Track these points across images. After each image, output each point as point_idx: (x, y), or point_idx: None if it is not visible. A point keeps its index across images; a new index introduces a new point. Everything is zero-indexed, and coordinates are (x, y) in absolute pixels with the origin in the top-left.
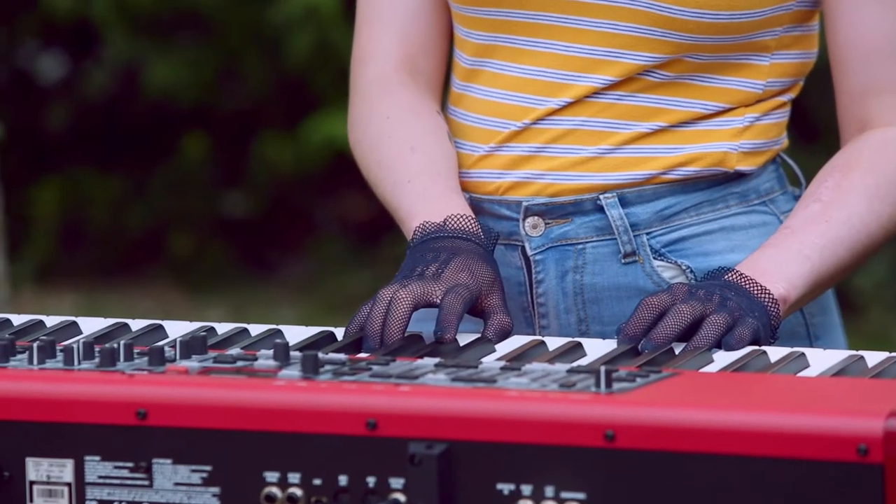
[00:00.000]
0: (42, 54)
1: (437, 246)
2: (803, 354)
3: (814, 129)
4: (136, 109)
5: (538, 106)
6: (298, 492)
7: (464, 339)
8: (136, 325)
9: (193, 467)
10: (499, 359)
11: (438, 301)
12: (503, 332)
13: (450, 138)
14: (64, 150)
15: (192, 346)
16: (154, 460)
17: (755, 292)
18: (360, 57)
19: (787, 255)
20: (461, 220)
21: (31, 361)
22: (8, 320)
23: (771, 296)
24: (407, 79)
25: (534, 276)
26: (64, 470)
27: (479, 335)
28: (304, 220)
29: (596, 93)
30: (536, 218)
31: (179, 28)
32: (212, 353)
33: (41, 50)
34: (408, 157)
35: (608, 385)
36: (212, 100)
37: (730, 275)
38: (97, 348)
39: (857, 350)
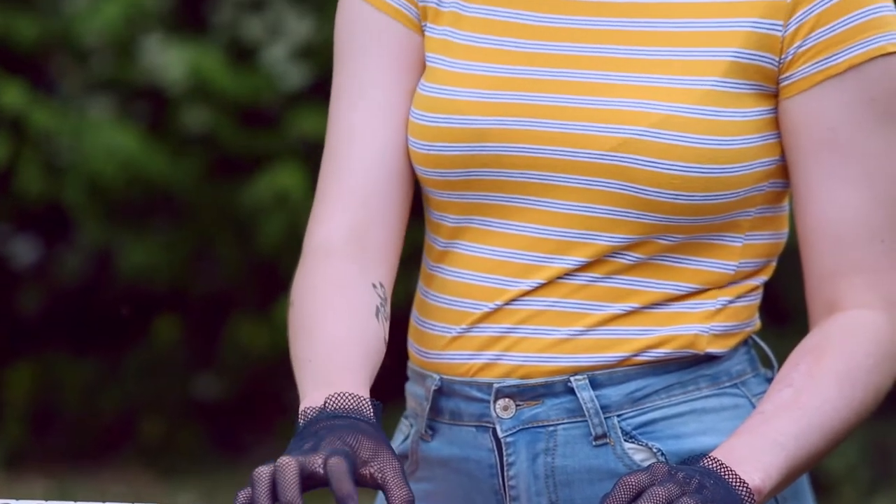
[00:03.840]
0: (14, 238)
1: (315, 428)
2: None
3: (783, 311)
4: (109, 293)
5: (510, 287)
6: None
7: None
8: None
9: None
10: None
11: (320, 468)
12: None
13: (377, 314)
14: (36, 334)
15: None
16: None
17: (733, 483)
18: (312, 224)
19: (762, 442)
20: (341, 398)
21: None
22: None
23: (747, 487)
24: (352, 250)
25: (505, 458)
26: None
27: None
28: (275, 402)
29: (568, 274)
30: (507, 400)
31: (152, 211)
32: None
33: (14, 234)
34: (317, 335)
35: None
36: (184, 283)
37: (708, 461)
38: None
39: None
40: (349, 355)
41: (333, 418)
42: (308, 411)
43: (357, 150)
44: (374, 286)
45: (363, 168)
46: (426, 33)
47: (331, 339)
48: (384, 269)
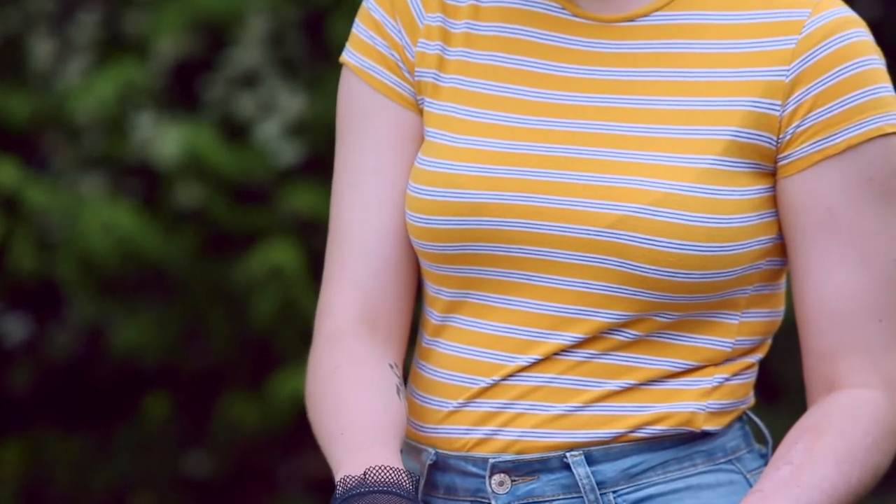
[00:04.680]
0: (6, 316)
1: (357, 500)
2: None
3: (776, 389)
4: (100, 370)
5: (508, 363)
6: None
7: None
8: None
9: None
10: None
11: None
12: None
13: (398, 392)
14: (26, 412)
15: None
16: None
17: None
18: (321, 309)
19: None
20: (382, 471)
21: None
22: None
23: None
24: (364, 332)
25: None
26: None
27: None
28: (266, 479)
29: (565, 350)
30: (503, 475)
31: (144, 287)
32: None
33: (5, 311)
34: (344, 410)
35: None
36: (176, 359)
37: None
38: None
39: None
40: (381, 428)
41: (374, 492)
42: (347, 480)
43: (360, 236)
44: (391, 366)
45: (367, 253)
46: (425, 108)
47: (361, 413)
48: (396, 350)
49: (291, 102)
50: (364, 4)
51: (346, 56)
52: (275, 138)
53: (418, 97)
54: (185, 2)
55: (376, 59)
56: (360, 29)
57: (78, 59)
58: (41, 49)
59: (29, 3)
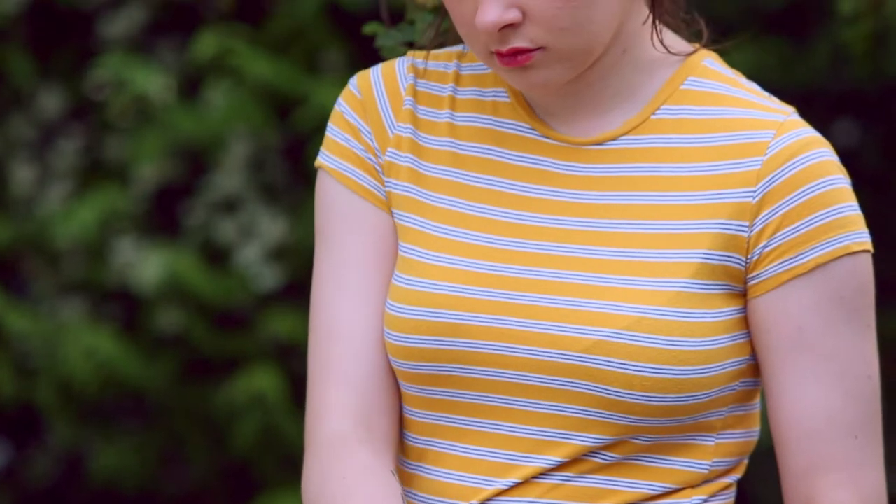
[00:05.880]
0: None
1: None
2: None
3: None
4: (79, 496)
5: (486, 487)
6: None
7: None
8: None
9: None
10: None
11: None
12: None
13: (404, 500)
14: None
15: None
16: None
17: None
18: (315, 412)
19: None
20: None
21: None
22: None
23: None
24: (365, 436)
25: None
26: None
27: None
28: None
29: (544, 473)
30: None
31: (124, 413)
32: None
33: None
34: None
35: None
36: (155, 485)
37: None
38: None
39: None
40: None
41: None
42: None
43: (348, 336)
44: (392, 474)
45: (357, 353)
46: (398, 221)
47: None
48: (392, 456)
49: (272, 227)
50: (336, 108)
51: (323, 159)
52: (255, 263)
53: (389, 206)
54: (166, 127)
55: (354, 162)
56: (334, 132)
57: (58, 185)
58: (22, 175)
59: (9, 129)
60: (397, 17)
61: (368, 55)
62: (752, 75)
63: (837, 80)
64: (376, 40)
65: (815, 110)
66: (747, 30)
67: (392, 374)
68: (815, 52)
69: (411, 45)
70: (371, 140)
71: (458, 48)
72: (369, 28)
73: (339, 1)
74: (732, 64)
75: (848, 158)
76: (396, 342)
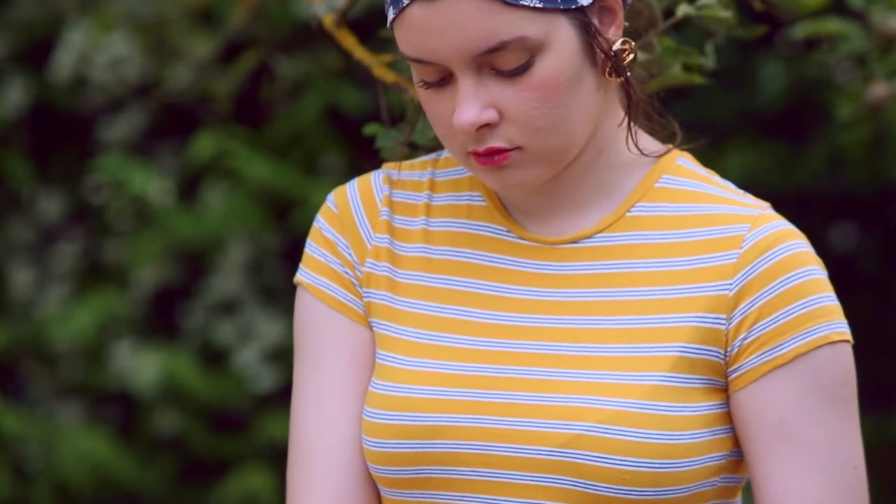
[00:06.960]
0: None
1: None
2: None
3: None
4: None
5: None
6: None
7: None
8: None
9: None
10: None
11: None
12: None
13: None
14: None
15: None
16: None
17: None
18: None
19: None
20: None
21: None
22: None
23: None
24: None
25: None
26: None
27: None
28: None
29: None
30: None
31: None
32: None
33: None
34: None
35: None
36: None
37: None
38: None
39: None
40: None
41: None
42: None
43: (327, 451)
44: None
45: (336, 466)
46: (376, 329)
47: None
48: None
49: (270, 329)
50: (315, 224)
51: (301, 276)
52: (253, 364)
53: (368, 317)
54: (164, 230)
55: (331, 278)
56: (312, 248)
57: (57, 288)
58: (21, 278)
59: (9, 233)
60: (397, 119)
61: (368, 158)
62: (749, 178)
63: (835, 184)
64: (376, 140)
65: (813, 214)
66: (744, 133)
67: (371, 482)
68: (813, 156)
69: (412, 146)
70: (349, 253)
71: (431, 156)
72: (369, 129)
73: (339, 105)
74: (729, 167)
75: (845, 262)
76: (375, 448)
